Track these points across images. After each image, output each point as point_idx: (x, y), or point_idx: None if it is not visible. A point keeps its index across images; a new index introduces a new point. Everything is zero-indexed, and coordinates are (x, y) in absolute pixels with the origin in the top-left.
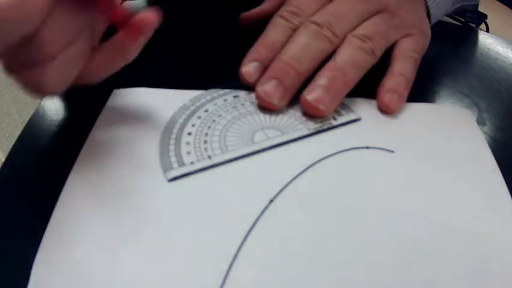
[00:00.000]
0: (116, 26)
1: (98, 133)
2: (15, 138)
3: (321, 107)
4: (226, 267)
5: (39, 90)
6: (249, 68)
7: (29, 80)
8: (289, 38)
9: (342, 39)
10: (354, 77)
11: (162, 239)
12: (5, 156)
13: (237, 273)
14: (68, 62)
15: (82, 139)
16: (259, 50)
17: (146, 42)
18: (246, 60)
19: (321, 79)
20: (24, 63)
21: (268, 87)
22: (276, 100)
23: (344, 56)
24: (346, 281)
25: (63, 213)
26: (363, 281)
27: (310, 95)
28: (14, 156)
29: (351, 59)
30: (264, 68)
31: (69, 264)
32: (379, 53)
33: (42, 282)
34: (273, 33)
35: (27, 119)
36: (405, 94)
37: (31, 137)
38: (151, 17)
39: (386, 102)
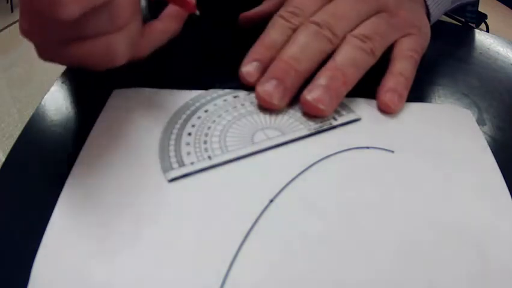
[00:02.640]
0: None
1: (98, 133)
2: (15, 138)
3: (322, 106)
4: (226, 267)
5: (109, 58)
6: (249, 68)
7: (99, 50)
8: (289, 38)
9: (342, 39)
10: (353, 76)
11: (162, 240)
12: (5, 156)
13: (237, 273)
14: (133, 33)
15: (82, 139)
16: (259, 50)
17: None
18: (246, 60)
19: (321, 79)
20: (98, 31)
21: (268, 87)
22: (276, 100)
23: (343, 56)
24: (346, 281)
25: (63, 214)
26: (363, 281)
27: (311, 94)
28: (14, 156)
29: (351, 59)
30: (264, 68)
31: (69, 265)
32: (379, 53)
33: (42, 282)
34: (273, 33)
35: (27, 119)
36: (405, 94)
37: (31, 137)
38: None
39: (386, 102)
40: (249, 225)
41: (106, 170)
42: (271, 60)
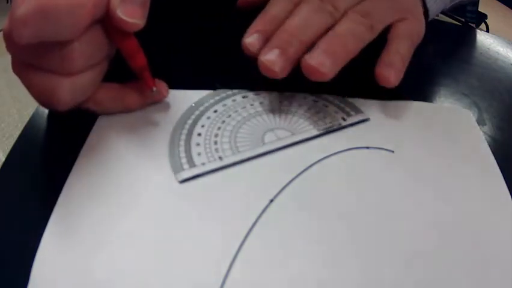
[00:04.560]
0: (135, 71)
1: (99, 133)
2: (15, 138)
3: (323, 69)
4: (226, 267)
5: (48, 99)
6: (251, 39)
7: (44, 86)
8: (290, 12)
9: (343, 15)
10: (353, 46)
11: (162, 239)
12: (5, 156)
13: (237, 273)
14: (83, 84)
15: (83, 138)
16: (261, 23)
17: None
18: (248, 32)
19: (322, 45)
20: (48, 68)
21: (270, 56)
22: (278, 68)
23: (343, 27)
24: (346, 281)
25: (63, 214)
26: (363, 281)
27: (312, 59)
28: (14, 156)
29: (350, 30)
30: (266, 40)
31: (69, 264)
32: (377, 29)
33: (42, 282)
34: (275, 7)
35: (27, 119)
36: (402, 70)
37: (31, 137)
38: (163, 91)
39: (384, 75)
40: (249, 225)
41: (107, 170)
42: (274, 32)
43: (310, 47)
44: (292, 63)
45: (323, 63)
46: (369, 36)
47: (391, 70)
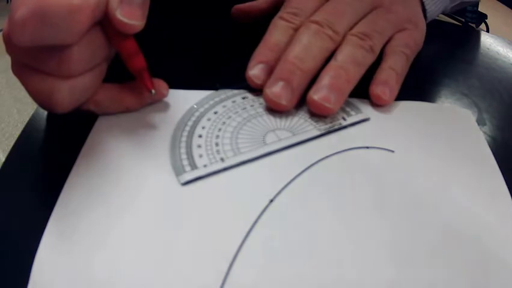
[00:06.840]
0: (133, 73)
1: (100, 133)
2: (15, 138)
3: (328, 105)
4: (226, 267)
5: (47, 101)
6: (255, 71)
7: (43, 88)
8: (291, 38)
9: (343, 37)
10: (355, 74)
11: (163, 239)
12: (5, 156)
13: (237, 273)
14: (82, 86)
15: (83, 138)
16: (263, 52)
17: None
18: (251, 63)
19: (325, 78)
20: (47, 70)
21: (276, 89)
22: (284, 101)
23: (344, 54)
24: (346, 281)
25: (62, 214)
26: (363, 281)
27: (316, 94)
28: (14, 156)
29: (352, 57)
30: (270, 69)
31: (69, 264)
32: (377, 49)
33: (42, 282)
34: (275, 34)
35: (27, 119)
36: (397, 87)
37: (31, 137)
38: (162, 91)
39: (378, 94)
40: (249, 225)
41: (107, 171)
42: (276, 61)
43: (314, 74)
44: (297, 93)
45: (328, 98)
46: (370, 59)
47: (385, 88)
